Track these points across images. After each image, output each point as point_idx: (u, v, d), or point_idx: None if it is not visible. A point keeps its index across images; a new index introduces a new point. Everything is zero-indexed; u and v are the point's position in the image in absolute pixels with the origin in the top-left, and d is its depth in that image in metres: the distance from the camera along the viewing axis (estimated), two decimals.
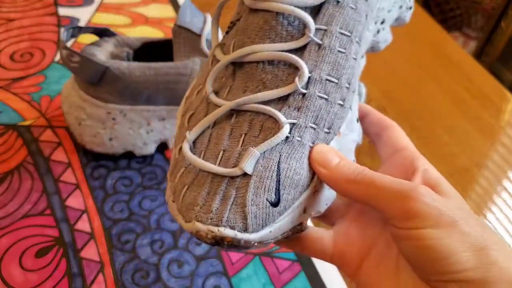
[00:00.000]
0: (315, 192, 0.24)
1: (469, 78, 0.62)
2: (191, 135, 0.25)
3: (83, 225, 0.41)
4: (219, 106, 0.25)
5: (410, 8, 0.33)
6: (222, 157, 0.24)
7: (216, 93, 0.26)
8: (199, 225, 0.22)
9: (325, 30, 0.25)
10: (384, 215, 0.23)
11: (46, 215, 0.41)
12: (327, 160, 0.24)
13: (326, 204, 0.26)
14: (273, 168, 0.23)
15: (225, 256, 0.40)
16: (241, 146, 0.24)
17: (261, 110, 0.24)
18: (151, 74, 0.41)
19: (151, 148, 0.45)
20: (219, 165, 0.23)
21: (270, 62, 0.25)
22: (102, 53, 0.43)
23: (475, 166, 0.52)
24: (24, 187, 0.42)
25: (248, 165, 0.22)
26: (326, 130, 0.25)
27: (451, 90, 0.60)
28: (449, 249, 0.21)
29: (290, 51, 0.25)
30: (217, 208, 0.22)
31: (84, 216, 0.41)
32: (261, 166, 0.23)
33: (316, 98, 0.24)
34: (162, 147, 0.47)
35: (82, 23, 0.60)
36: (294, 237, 0.26)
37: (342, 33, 0.25)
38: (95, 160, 0.45)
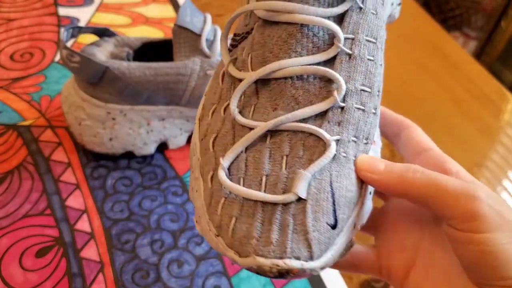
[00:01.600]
0: (362, 205, 0.24)
1: (469, 78, 0.62)
2: (225, 162, 0.23)
3: (83, 225, 0.41)
4: (248, 127, 0.24)
5: (399, 4, 0.32)
6: (266, 182, 0.22)
7: (239, 112, 0.25)
8: (261, 260, 0.20)
9: (353, 39, 0.24)
10: (442, 214, 0.22)
11: (46, 215, 0.41)
12: (375, 165, 0.23)
13: (367, 215, 0.25)
14: (327, 189, 0.22)
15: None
16: (286, 168, 0.22)
17: (299, 129, 0.23)
18: (151, 74, 0.41)
19: (151, 148, 0.45)
20: (265, 191, 0.22)
21: (299, 77, 0.24)
22: (102, 53, 0.43)
23: (475, 166, 0.52)
24: (24, 187, 0.42)
25: (301, 189, 0.21)
26: (364, 141, 0.24)
27: (451, 90, 0.60)
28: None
29: (319, 63, 0.24)
30: (277, 239, 0.20)
31: (84, 216, 0.41)
32: (314, 188, 0.21)
33: (354, 110, 0.24)
34: (162, 147, 0.47)
35: (82, 23, 0.60)
36: (346, 255, 0.25)
37: (368, 41, 0.25)
38: (95, 160, 0.45)
